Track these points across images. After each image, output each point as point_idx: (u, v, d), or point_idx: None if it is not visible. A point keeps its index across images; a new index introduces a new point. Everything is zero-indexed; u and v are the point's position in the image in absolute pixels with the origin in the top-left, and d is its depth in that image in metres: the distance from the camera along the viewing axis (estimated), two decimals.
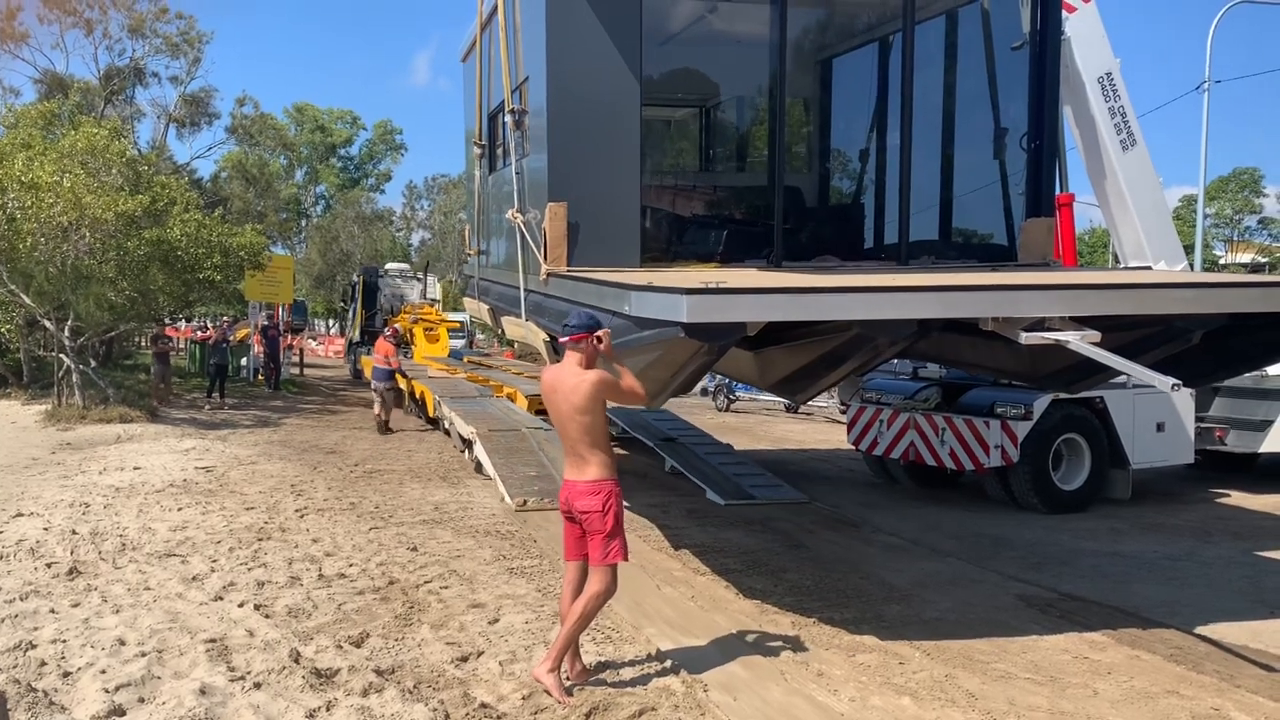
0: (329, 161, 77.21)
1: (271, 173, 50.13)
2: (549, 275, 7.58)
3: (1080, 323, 5.82)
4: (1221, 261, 62.03)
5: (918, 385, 12.47)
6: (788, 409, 22.34)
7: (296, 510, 10.43)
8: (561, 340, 5.40)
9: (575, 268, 7.44)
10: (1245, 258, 63.37)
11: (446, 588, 7.58)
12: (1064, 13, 10.29)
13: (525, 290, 8.42)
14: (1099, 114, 12.19)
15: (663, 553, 9.04)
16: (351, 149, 79.81)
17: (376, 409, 17.96)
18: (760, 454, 15.52)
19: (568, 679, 5.54)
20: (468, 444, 13.90)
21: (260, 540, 8.99)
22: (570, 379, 5.32)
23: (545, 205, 7.58)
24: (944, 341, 8.20)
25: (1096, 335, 5.75)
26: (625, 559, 5.51)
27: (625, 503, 11.17)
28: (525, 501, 10.67)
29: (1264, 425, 12.77)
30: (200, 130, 41.05)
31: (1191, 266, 17.71)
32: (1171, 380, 5.46)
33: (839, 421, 18.75)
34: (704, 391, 24.12)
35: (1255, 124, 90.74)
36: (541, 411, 18.31)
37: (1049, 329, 5.80)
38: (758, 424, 20.46)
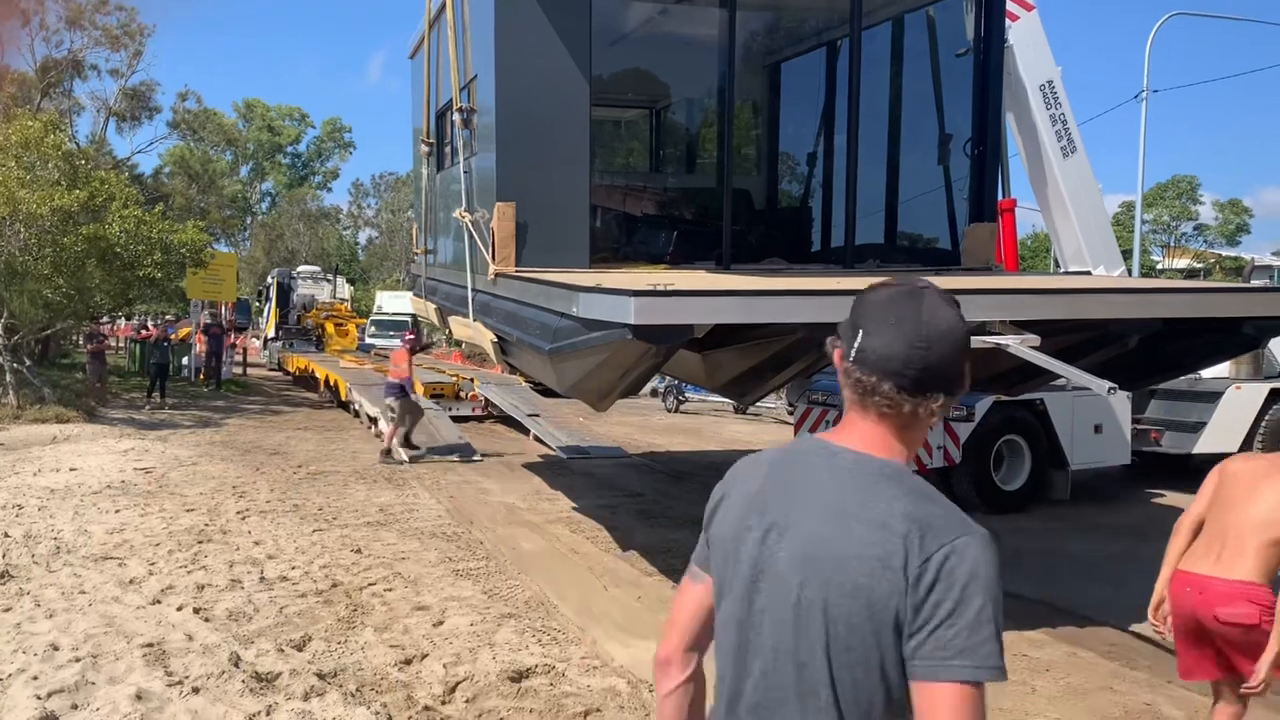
0: (276, 158, 76.18)
1: (216, 169, 49.26)
2: (497, 275, 7.54)
3: (1020, 327, 5.92)
4: (1159, 267, 63.43)
5: None
6: (736, 410, 22.44)
7: (238, 512, 10.26)
8: None
9: (523, 268, 7.40)
10: (1182, 263, 64.93)
11: (391, 590, 7.50)
12: (1007, 21, 10.47)
13: (473, 290, 8.36)
14: (1040, 121, 12.40)
15: (611, 554, 9.04)
16: (299, 146, 78.87)
17: (382, 426, 15.65)
18: (709, 455, 15.59)
19: None
20: (373, 421, 16.99)
21: (200, 543, 8.84)
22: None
23: (493, 205, 7.54)
24: None
25: (1036, 339, 5.86)
26: None
27: (573, 504, 11.22)
28: (417, 456, 14.00)
29: (1198, 427, 13.09)
30: (141, 125, 40.24)
31: (1130, 272, 18.11)
32: (1108, 384, 5.58)
33: (787, 422, 18.88)
34: (653, 392, 24.15)
35: (1192, 132, 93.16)
36: (437, 395, 19.11)
37: (990, 333, 5.90)
38: (706, 425, 20.54)
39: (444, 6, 8.62)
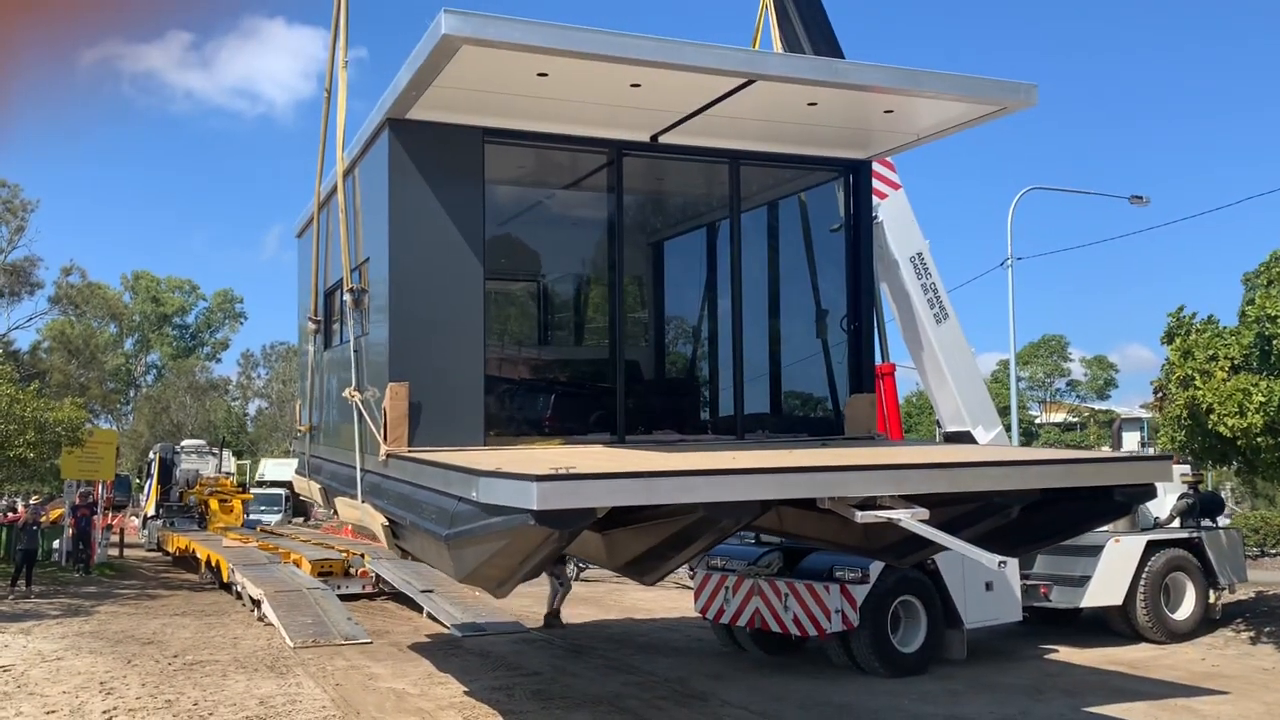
0: (163, 330, 74.73)
1: (97, 344, 48.02)
2: (389, 456, 7.41)
3: (910, 500, 6.08)
4: (1038, 421, 66.29)
5: (760, 550, 12.62)
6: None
7: (104, 712, 9.55)
8: None
9: (417, 448, 7.30)
10: (1059, 418, 68.02)
11: None
12: (875, 199, 11.14)
13: (362, 470, 8.19)
14: (913, 290, 13.07)
15: None
16: (188, 317, 77.62)
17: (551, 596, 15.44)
18: (608, 626, 15.26)
19: None
20: (256, 603, 16.31)
21: None
22: None
23: (385, 384, 7.49)
24: (786, 517, 8.38)
25: (925, 513, 6.02)
26: None
27: (466, 687, 10.78)
28: (304, 642, 13.29)
29: (1083, 580, 13.44)
30: (21, 300, 39.24)
31: (1008, 429, 18.81)
32: (996, 558, 5.76)
33: (688, 587, 18.67)
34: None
35: (1059, 294, 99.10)
36: (325, 573, 18.94)
37: (881, 507, 6.04)
38: (607, 593, 20.16)
39: (335, 189, 8.77)
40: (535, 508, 5.02)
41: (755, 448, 7.93)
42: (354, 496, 8.17)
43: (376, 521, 7.53)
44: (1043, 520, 7.32)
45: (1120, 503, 7.13)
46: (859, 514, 5.98)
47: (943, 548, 7.13)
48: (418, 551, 7.94)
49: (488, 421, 7.79)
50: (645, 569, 6.94)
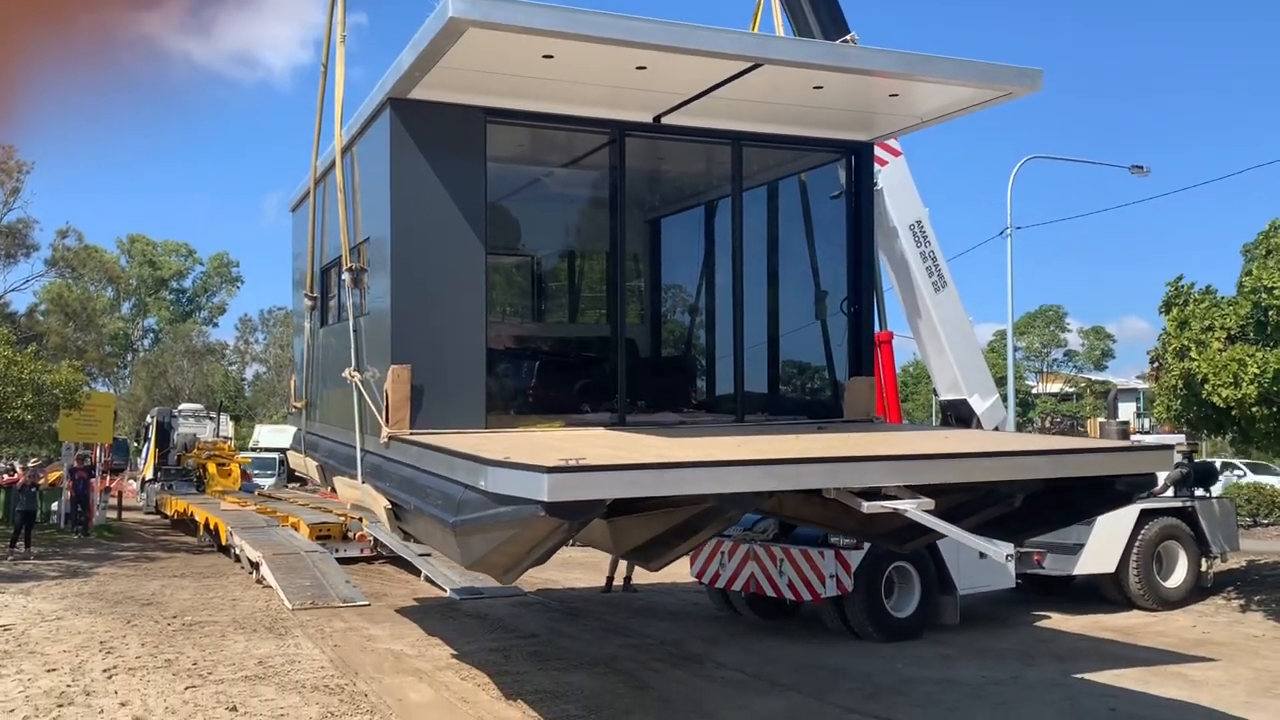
0: (159, 294, 74.58)
1: (95, 306, 47.90)
2: (391, 439, 7.37)
3: (915, 490, 6.11)
4: (1035, 392, 66.46)
5: (756, 516, 12.68)
6: None
7: (104, 670, 9.64)
8: None
9: (419, 430, 7.24)
10: (1055, 388, 68.20)
11: None
12: (876, 166, 11.08)
13: (362, 451, 8.13)
14: (912, 258, 13.06)
15: (502, 701, 8.76)
16: (185, 282, 77.45)
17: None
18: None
19: None
20: (255, 565, 16.37)
21: (60, 706, 8.26)
22: None
23: (385, 365, 7.43)
24: (787, 502, 8.39)
25: (931, 503, 6.05)
26: None
27: (464, 648, 10.87)
28: (302, 604, 13.32)
29: (1077, 548, 13.53)
30: (17, 262, 39.08)
31: (1005, 399, 18.87)
32: (1004, 551, 5.82)
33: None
34: None
35: (1058, 264, 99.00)
36: (323, 536, 19.06)
37: (887, 496, 6.07)
38: (604, 558, 20.28)
39: (332, 165, 8.67)
40: (546, 499, 4.97)
41: (756, 430, 7.96)
42: (354, 476, 8.14)
43: (379, 504, 7.49)
44: (1044, 508, 7.37)
45: (1122, 492, 7.18)
46: (865, 504, 6.00)
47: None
48: (422, 535, 7.92)
49: (488, 402, 7.76)
50: (651, 555, 6.94)
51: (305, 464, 10.73)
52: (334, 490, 9.77)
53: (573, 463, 5.12)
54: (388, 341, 7.40)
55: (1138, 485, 7.21)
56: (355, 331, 8.22)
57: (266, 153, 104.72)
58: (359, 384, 7.96)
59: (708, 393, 10.00)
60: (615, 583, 15.30)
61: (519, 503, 5.21)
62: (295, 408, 11.32)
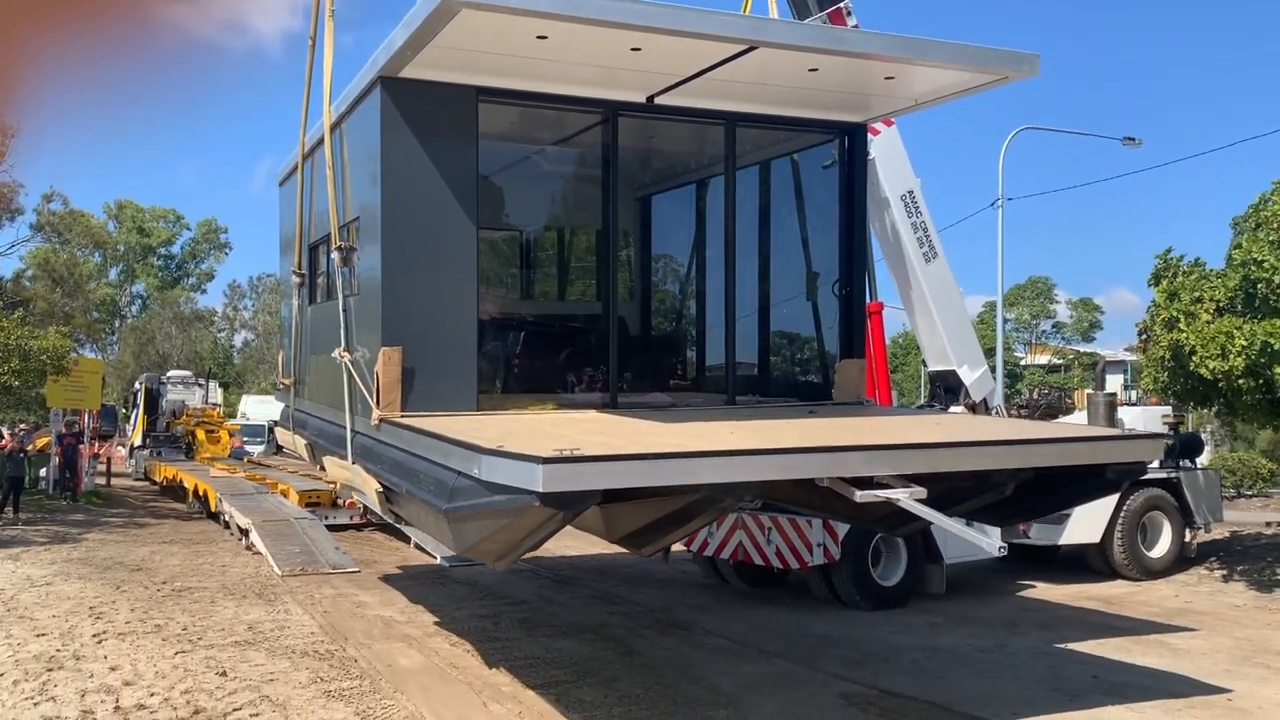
0: (148, 260, 74.09)
1: (82, 272, 47.55)
2: (382, 421, 7.33)
3: (908, 478, 6.13)
4: (1023, 363, 66.70)
5: None
6: None
7: (94, 635, 9.67)
8: None
9: (410, 413, 7.20)
10: (1043, 359, 68.46)
11: (257, 715, 7.15)
12: (869, 135, 11.03)
13: (352, 432, 8.10)
14: (903, 229, 13.04)
15: (491, 668, 8.81)
16: (173, 248, 76.92)
17: None
18: (596, 558, 15.45)
19: None
20: (244, 532, 16.44)
21: (50, 670, 8.28)
22: None
23: (375, 346, 7.37)
24: (777, 488, 8.41)
25: (923, 492, 6.09)
26: None
27: (453, 615, 10.92)
28: (291, 570, 13.42)
29: (1062, 518, 13.61)
30: (2, 227, 38.69)
31: (993, 370, 18.92)
32: (997, 545, 5.88)
33: None
34: None
35: (1047, 236, 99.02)
36: (312, 504, 18.92)
37: (879, 485, 6.10)
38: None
39: (320, 141, 8.55)
40: (540, 489, 4.95)
41: (747, 413, 7.96)
42: (344, 457, 8.10)
43: (370, 486, 7.46)
44: (1034, 494, 7.41)
45: (1111, 480, 7.24)
46: (859, 494, 6.03)
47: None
48: (414, 519, 7.91)
49: (479, 383, 7.71)
50: (643, 542, 6.95)
51: (294, 441, 10.67)
52: (323, 469, 9.73)
53: (568, 453, 5.10)
54: (378, 323, 7.34)
55: (1128, 472, 7.27)
56: (344, 311, 8.16)
57: (256, 120, 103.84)
58: (349, 364, 7.90)
59: (698, 373, 10.00)
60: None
61: (513, 492, 5.19)
62: (283, 384, 11.24)
